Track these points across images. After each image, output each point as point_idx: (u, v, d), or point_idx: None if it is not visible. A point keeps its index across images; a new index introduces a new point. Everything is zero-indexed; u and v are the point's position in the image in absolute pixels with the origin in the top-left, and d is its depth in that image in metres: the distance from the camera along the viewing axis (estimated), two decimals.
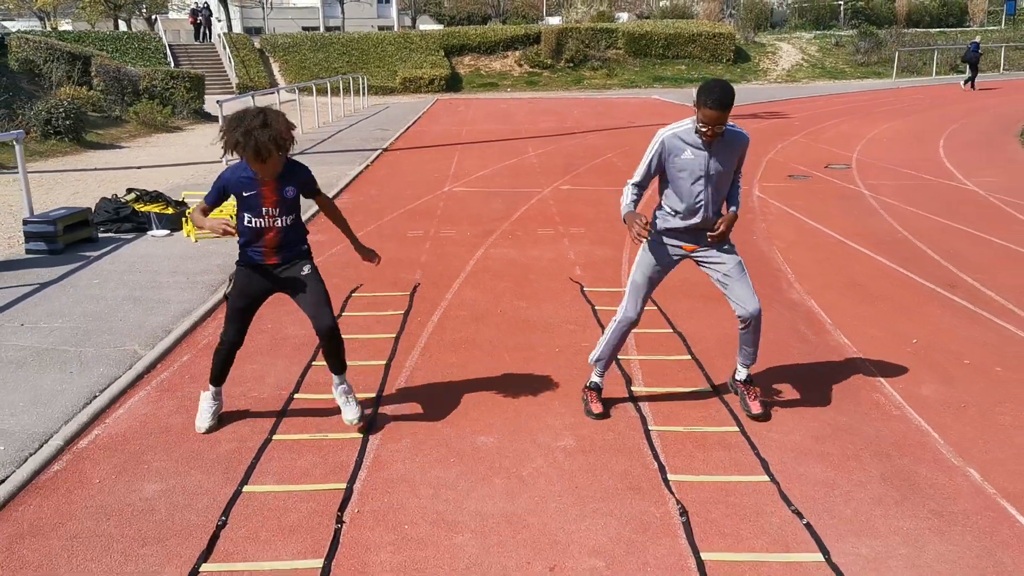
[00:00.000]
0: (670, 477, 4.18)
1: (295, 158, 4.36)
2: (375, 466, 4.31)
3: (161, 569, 3.45)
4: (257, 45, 41.93)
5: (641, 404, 5.03)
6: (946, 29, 52.04)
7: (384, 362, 5.72)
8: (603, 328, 6.33)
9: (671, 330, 6.33)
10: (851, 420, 4.78)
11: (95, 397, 5.11)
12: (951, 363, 5.62)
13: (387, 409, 4.98)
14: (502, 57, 43.25)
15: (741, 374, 4.85)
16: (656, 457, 4.38)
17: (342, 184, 13.02)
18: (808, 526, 3.74)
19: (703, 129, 4.31)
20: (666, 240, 4.65)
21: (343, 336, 4.59)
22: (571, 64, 42.57)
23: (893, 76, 41.43)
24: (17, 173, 9.31)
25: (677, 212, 4.57)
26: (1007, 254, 8.44)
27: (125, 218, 9.43)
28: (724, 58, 43.42)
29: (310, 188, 4.42)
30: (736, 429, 4.67)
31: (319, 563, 3.49)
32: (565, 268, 8.12)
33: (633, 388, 5.25)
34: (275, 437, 4.63)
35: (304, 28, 61.93)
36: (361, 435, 4.64)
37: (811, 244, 8.99)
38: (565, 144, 18.28)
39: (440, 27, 53.81)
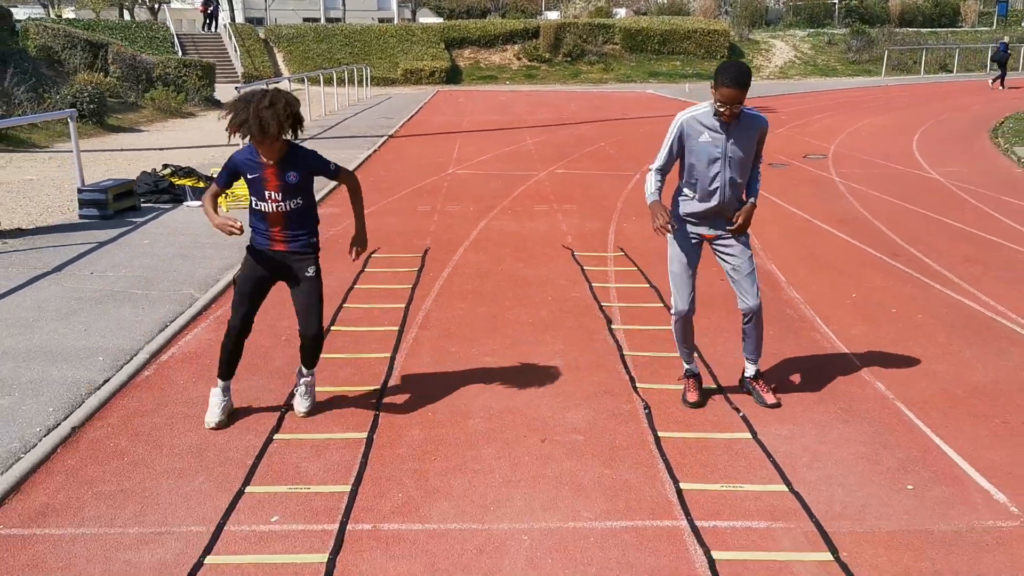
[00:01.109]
0: (638, 385, 5.25)
1: (304, 144, 4.42)
2: (404, 371, 5.38)
3: (241, 437, 4.51)
4: (262, 35, 42.89)
5: (617, 333, 6.10)
6: (937, 29, 53.14)
7: (403, 305, 6.79)
8: (590, 284, 7.43)
9: (648, 285, 7.40)
10: (791, 350, 5.85)
11: (167, 326, 6.17)
12: (881, 312, 6.69)
13: (407, 339, 6.05)
14: (501, 51, 44.26)
15: (750, 370, 5.01)
16: (628, 372, 5.46)
17: (353, 166, 14.05)
18: (744, 417, 4.81)
19: (721, 109, 4.38)
20: (688, 228, 4.75)
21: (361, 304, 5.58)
22: (568, 58, 43.59)
23: (882, 74, 42.49)
24: (46, 152, 10.32)
25: (695, 194, 4.66)
26: (951, 230, 9.53)
27: (164, 190, 10.47)
28: (718, 54, 44.45)
29: (322, 172, 4.43)
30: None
31: (363, 435, 4.55)
32: (558, 237, 9.19)
33: (613, 326, 6.31)
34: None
35: (305, 19, 62.81)
36: (390, 355, 5.70)
37: (780, 222, 10.04)
38: (561, 134, 19.33)
39: (440, 20, 54.74)
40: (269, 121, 4.05)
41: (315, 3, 69.16)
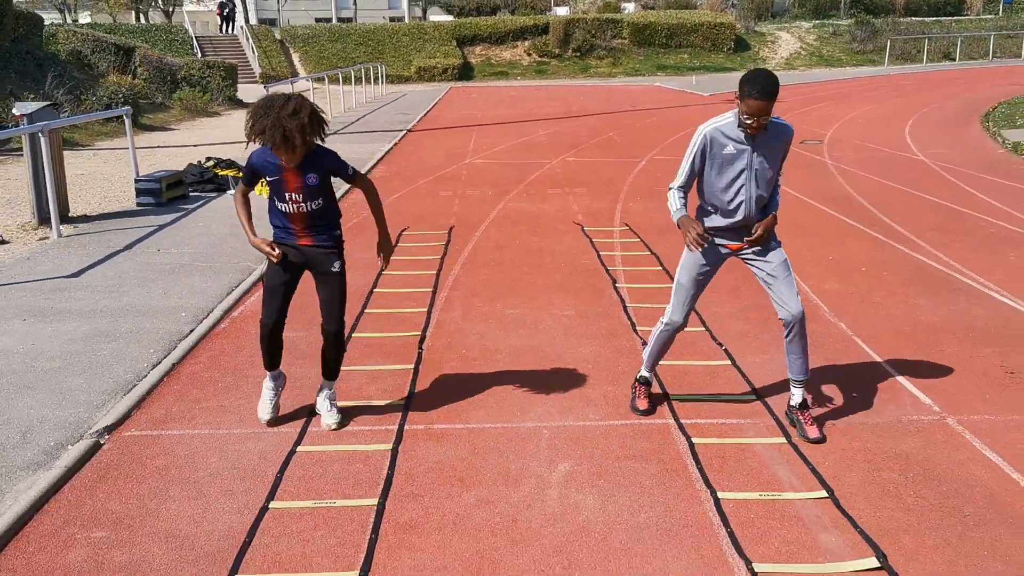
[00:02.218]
0: (638, 328, 6.23)
1: (324, 144, 4.38)
2: (439, 322, 6.38)
3: (311, 369, 5.51)
4: (278, 36, 43.98)
5: (621, 291, 7.09)
6: (942, 18, 53.76)
7: (435, 272, 7.78)
8: (597, 253, 8.40)
9: (649, 253, 8.37)
10: (769, 302, 6.81)
11: (233, 289, 7.18)
12: (852, 271, 7.65)
13: (440, 298, 7.04)
14: (512, 47, 45.21)
15: (796, 398, 4.61)
16: (630, 318, 6.44)
17: (376, 158, 15.06)
18: (726, 351, 5.78)
19: (748, 121, 4.14)
20: (715, 240, 4.52)
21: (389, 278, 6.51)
22: (578, 53, 44.51)
23: (885, 63, 43.23)
24: (89, 149, 11.31)
25: (717, 209, 4.44)
26: (926, 204, 10.46)
27: (208, 180, 11.50)
28: (725, 47, 45.32)
29: (340, 174, 4.39)
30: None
31: (410, 366, 5.55)
32: (569, 215, 10.17)
33: (617, 285, 7.29)
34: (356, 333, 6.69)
35: (317, 19, 63.93)
36: (426, 309, 6.70)
37: None
38: (571, 125, 20.30)
39: (451, 18, 55.73)
40: (293, 132, 4.02)
41: (327, 3, 70.31)
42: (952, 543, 3.56)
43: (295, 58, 42.65)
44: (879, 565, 3.42)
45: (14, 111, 9.51)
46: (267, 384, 4.75)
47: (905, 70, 40.09)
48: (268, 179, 4.32)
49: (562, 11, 55.74)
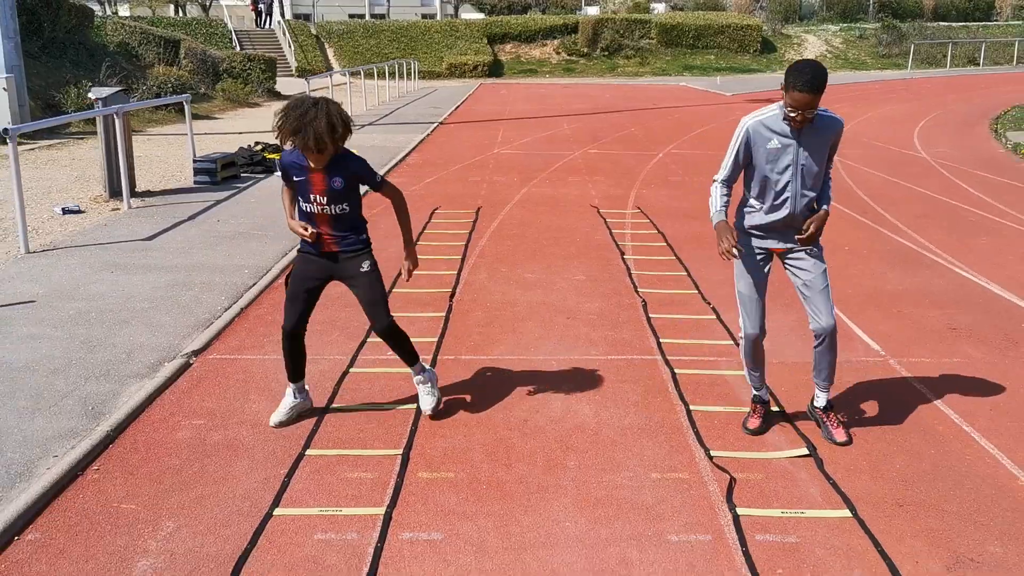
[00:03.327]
0: (639, 289, 7.19)
1: (352, 149, 4.45)
2: (467, 282, 7.36)
3: (359, 315, 6.51)
4: (313, 31, 45.19)
5: (628, 261, 8.05)
6: (970, 23, 54.12)
7: (463, 243, 8.77)
8: (610, 230, 9.36)
9: (656, 231, 9.32)
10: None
11: (287, 253, 8.21)
12: (836, 249, 8.55)
13: (468, 264, 8.03)
14: (541, 45, 46.18)
15: (820, 400, 4.60)
16: (632, 282, 7.40)
17: (411, 147, 16.08)
18: (713, 308, 6.72)
19: (792, 115, 4.00)
20: (754, 242, 4.41)
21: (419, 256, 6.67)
22: (606, 53, 45.40)
23: (908, 67, 43.77)
24: (142, 135, 12.37)
25: (762, 206, 4.31)
26: (917, 196, 11.33)
27: (258, 162, 12.56)
28: (751, 48, 46.04)
29: (366, 181, 4.43)
30: (684, 274, 7.66)
31: (442, 314, 6.54)
32: (587, 199, 11.13)
33: (625, 256, 8.25)
34: None
35: (351, 15, 65.11)
36: (456, 271, 7.69)
37: None
38: (595, 121, 21.25)
39: (482, 16, 56.76)
40: (324, 137, 4.08)
41: (360, 0, 71.49)
42: (869, 442, 4.50)
43: (330, 53, 43.83)
44: (807, 454, 4.37)
45: (90, 95, 10.60)
46: (288, 395, 4.74)
47: (929, 74, 40.65)
48: (296, 179, 4.35)
49: (592, 10, 56.60)
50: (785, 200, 4.23)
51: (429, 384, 4.79)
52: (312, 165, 4.27)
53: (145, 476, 4.15)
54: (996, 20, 57.18)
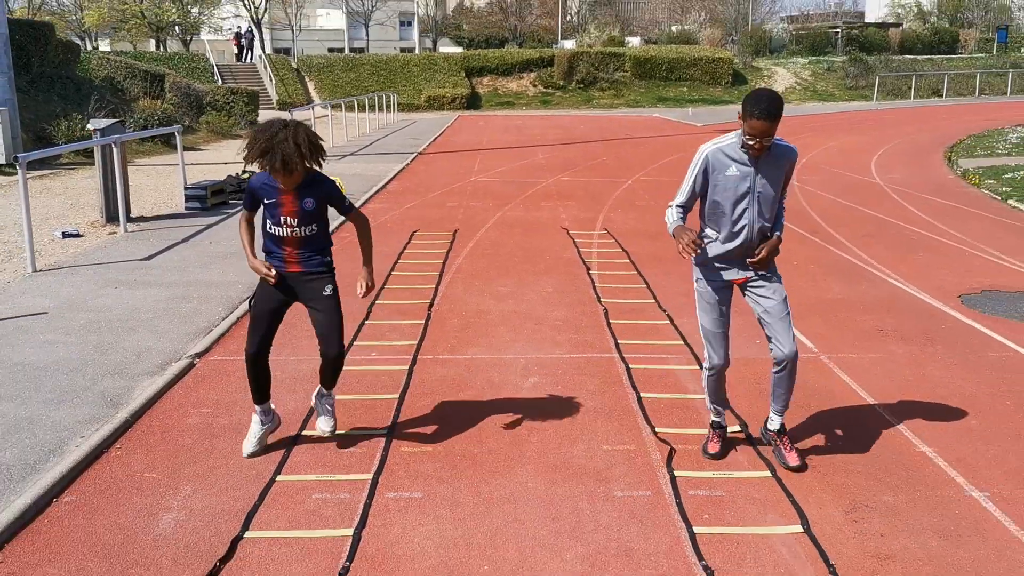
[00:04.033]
0: (602, 299, 7.87)
1: (324, 172, 4.48)
2: (445, 295, 8.02)
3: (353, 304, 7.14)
4: (294, 65, 46.02)
5: (593, 276, 8.74)
6: (935, 56, 55.71)
7: (441, 261, 9.43)
8: (578, 249, 10.06)
9: (621, 250, 10.03)
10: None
11: None
12: (784, 264, 9.15)
13: (446, 279, 8.69)
14: (518, 78, 47.22)
15: (774, 423, 4.63)
16: (596, 293, 8.08)
17: (391, 175, 16.78)
18: (668, 315, 7.40)
19: (750, 142, 4.08)
20: (712, 273, 4.46)
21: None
22: (581, 85, 46.48)
23: (874, 99, 45.07)
24: (131, 166, 12.96)
25: (719, 235, 4.35)
26: (865, 216, 12.12)
27: (245, 189, 13.18)
28: (723, 80, 47.26)
29: (335, 204, 4.43)
30: (644, 286, 8.35)
31: (421, 322, 7.19)
32: (558, 222, 11.84)
33: (591, 272, 8.94)
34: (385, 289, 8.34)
35: (330, 49, 66.06)
36: (434, 285, 8.34)
37: None
38: (568, 150, 22.05)
39: (460, 49, 57.86)
40: (293, 156, 4.10)
41: (340, 34, 72.52)
42: (793, 420, 5.18)
43: (310, 86, 44.63)
44: (739, 430, 5.04)
45: (89, 126, 11.22)
46: (256, 419, 4.72)
47: (893, 105, 41.93)
48: (266, 202, 4.36)
49: (569, 44, 57.84)
50: (742, 228, 4.28)
51: (331, 407, 4.79)
52: (283, 187, 4.29)
53: (162, 453, 4.76)
54: (961, 53, 58.83)
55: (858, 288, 8.28)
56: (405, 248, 10.07)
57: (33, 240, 8.87)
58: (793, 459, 4.52)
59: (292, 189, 4.29)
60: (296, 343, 6.52)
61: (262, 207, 4.45)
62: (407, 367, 6.12)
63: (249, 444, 4.71)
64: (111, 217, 11.08)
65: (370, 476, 4.49)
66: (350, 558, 3.75)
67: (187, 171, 15.64)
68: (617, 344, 6.62)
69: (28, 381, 5.70)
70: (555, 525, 4.02)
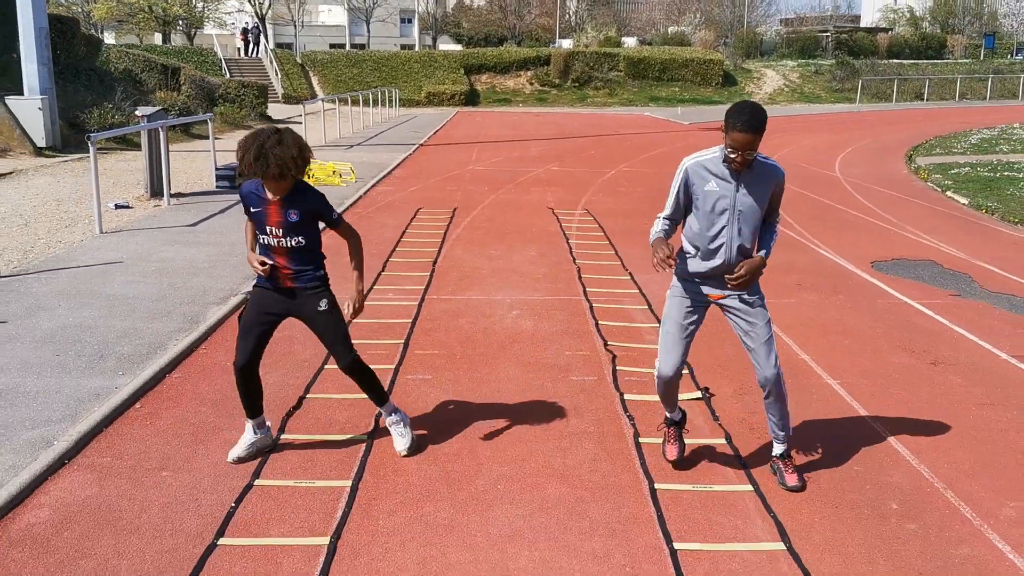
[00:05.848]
0: (577, 261, 9.52)
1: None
2: (446, 255, 9.66)
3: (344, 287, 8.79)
4: (299, 60, 47.63)
5: (571, 244, 10.40)
6: (920, 61, 57.48)
7: (442, 232, 11.08)
8: (560, 224, 11.71)
9: (597, 225, 11.69)
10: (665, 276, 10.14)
11: None
12: None
13: (446, 245, 10.33)
14: (515, 76, 48.89)
15: (777, 450, 4.50)
16: (572, 256, 9.73)
17: (396, 163, 18.42)
18: (648, 306, 9.05)
19: (732, 156, 3.97)
20: (689, 286, 4.33)
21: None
22: (577, 84, 48.18)
23: (857, 101, 46.79)
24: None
25: (697, 251, 4.25)
26: (814, 203, 13.79)
27: None
28: (713, 82, 48.97)
29: (323, 217, 4.36)
30: (612, 252, 10.00)
31: (426, 274, 8.83)
32: (545, 203, 13.50)
33: (570, 241, 10.59)
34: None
35: (331, 45, 67.70)
36: (436, 249, 9.98)
37: None
38: (560, 144, 23.71)
39: (459, 47, 59.48)
40: (287, 162, 4.08)
41: (341, 31, 74.11)
42: (731, 366, 6.83)
43: (314, 81, 46.25)
44: (699, 397, 6.70)
45: (136, 113, 12.84)
46: (249, 428, 4.68)
47: (876, 107, 43.65)
48: (252, 210, 4.33)
49: (566, 43, 59.49)
50: (720, 246, 4.16)
51: (401, 424, 4.80)
52: (270, 196, 4.26)
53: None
54: (948, 58, 60.60)
55: (789, 256, 9.93)
56: (412, 221, 11.71)
57: (86, 212, 10.46)
58: (792, 480, 4.39)
59: (279, 199, 4.26)
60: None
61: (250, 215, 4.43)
62: (417, 302, 7.76)
63: (237, 450, 4.65)
64: (155, 192, 12.69)
65: (374, 416, 6.12)
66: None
67: (206, 157, 17.29)
68: (585, 291, 8.27)
69: (124, 306, 7.33)
70: (525, 396, 5.67)
